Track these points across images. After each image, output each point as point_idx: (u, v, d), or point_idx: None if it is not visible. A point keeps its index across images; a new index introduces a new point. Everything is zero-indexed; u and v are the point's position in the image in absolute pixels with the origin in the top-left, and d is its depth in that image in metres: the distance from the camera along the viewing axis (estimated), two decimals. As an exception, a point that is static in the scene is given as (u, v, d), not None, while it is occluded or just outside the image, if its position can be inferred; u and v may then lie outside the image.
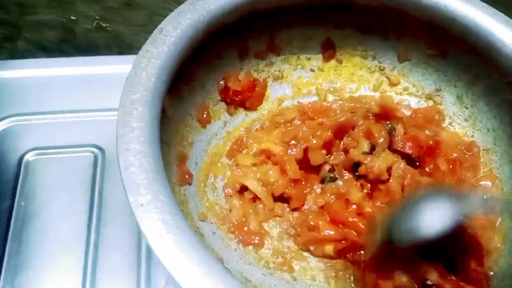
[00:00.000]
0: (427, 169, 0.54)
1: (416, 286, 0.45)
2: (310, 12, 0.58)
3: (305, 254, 0.51)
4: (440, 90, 0.60)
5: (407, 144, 0.53)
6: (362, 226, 0.49)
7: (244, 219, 0.52)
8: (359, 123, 0.55)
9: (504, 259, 0.49)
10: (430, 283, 0.44)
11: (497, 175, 0.54)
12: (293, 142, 0.54)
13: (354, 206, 0.51)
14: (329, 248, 0.50)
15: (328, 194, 0.53)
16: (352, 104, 0.60)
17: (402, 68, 0.61)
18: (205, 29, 0.48)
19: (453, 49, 0.57)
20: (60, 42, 0.78)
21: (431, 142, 0.54)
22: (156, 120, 0.40)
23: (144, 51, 0.44)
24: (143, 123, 0.39)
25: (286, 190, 0.53)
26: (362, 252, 0.48)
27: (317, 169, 0.55)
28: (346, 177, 0.53)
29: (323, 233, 0.50)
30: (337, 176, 0.54)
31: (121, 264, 0.55)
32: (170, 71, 0.44)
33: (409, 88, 0.61)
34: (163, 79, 0.43)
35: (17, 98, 0.67)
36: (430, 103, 0.60)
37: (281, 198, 0.54)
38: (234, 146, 0.57)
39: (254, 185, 0.52)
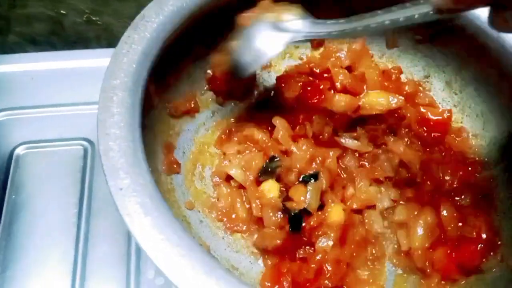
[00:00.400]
0: None
1: None
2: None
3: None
4: (429, 76, 0.59)
5: None
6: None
7: (232, 207, 0.51)
8: None
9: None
10: None
11: (486, 159, 0.54)
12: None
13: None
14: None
15: None
16: None
17: (390, 55, 0.61)
18: (189, 15, 0.48)
19: (441, 33, 0.56)
20: (49, 35, 0.77)
21: None
22: (137, 105, 0.40)
23: (126, 37, 0.43)
24: (123, 109, 0.39)
25: None
26: None
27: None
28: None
29: None
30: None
31: (111, 255, 0.54)
32: (152, 57, 0.44)
33: (398, 75, 0.61)
34: (145, 65, 0.43)
35: (7, 92, 0.67)
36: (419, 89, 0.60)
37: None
38: (223, 136, 0.57)
39: (237, 174, 0.51)
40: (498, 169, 0.52)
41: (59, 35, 0.77)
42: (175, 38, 0.47)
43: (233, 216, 0.51)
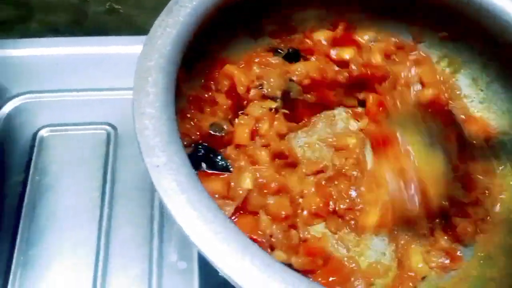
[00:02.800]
0: None
1: None
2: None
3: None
4: (455, 72, 0.59)
5: None
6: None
7: None
8: None
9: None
10: None
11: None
12: None
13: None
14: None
15: None
16: None
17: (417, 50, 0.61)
18: (222, 2, 0.48)
19: (467, 31, 0.56)
20: (71, 24, 0.78)
21: None
22: (171, 86, 0.40)
23: (160, 21, 0.44)
24: (158, 89, 0.39)
25: None
26: None
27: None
28: None
29: None
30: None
31: (134, 239, 0.55)
32: (185, 41, 0.44)
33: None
34: (178, 48, 0.43)
35: (32, 76, 0.67)
36: (446, 85, 0.60)
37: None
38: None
39: None
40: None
41: (80, 24, 0.78)
42: (207, 23, 0.48)
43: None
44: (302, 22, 0.60)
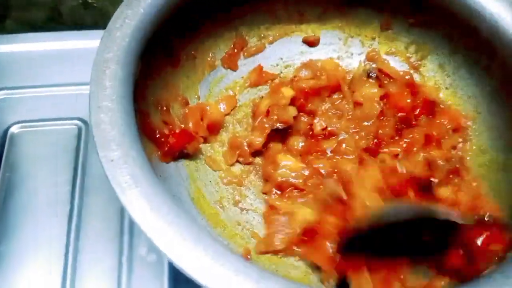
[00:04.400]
0: None
1: None
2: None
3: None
4: (423, 58, 0.60)
5: None
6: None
7: None
8: None
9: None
10: None
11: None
12: None
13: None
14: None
15: None
16: None
17: (385, 37, 0.61)
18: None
19: (433, 19, 0.57)
20: (47, 21, 0.77)
21: None
22: (129, 79, 0.40)
23: (119, 13, 0.44)
24: (116, 82, 0.39)
25: None
26: None
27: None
28: None
29: None
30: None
31: (104, 232, 0.55)
32: (145, 33, 0.44)
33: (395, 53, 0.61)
34: (138, 39, 0.43)
35: (2, 72, 0.67)
36: (413, 71, 0.60)
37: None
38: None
39: None
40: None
41: (56, 20, 0.77)
42: (170, 14, 0.47)
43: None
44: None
